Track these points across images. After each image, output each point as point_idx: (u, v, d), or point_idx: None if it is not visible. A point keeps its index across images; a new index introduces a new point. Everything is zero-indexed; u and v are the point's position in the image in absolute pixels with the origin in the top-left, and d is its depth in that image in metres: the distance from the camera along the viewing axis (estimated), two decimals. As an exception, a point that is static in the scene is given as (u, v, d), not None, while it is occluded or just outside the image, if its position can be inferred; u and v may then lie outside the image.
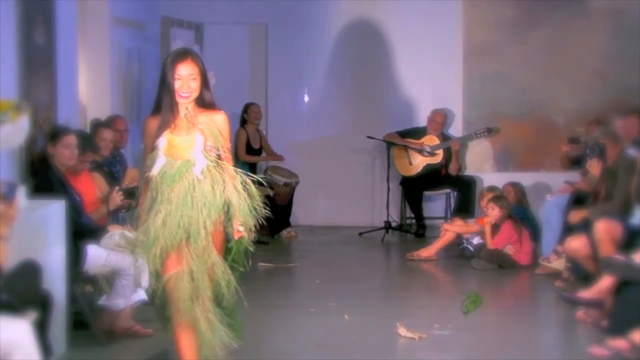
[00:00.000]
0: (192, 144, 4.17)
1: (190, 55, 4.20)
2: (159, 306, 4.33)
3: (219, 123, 4.25)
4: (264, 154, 10.29)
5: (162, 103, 4.22)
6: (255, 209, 4.13)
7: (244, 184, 4.17)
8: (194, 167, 4.14)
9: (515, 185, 8.94)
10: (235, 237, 4.20)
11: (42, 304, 4.61)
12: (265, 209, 4.19)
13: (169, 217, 4.08)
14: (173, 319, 4.21)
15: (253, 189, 4.18)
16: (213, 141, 4.20)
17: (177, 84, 4.18)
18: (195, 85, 4.19)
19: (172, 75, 4.16)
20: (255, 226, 4.16)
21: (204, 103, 4.25)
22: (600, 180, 7.09)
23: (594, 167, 7.16)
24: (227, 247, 4.27)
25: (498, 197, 8.42)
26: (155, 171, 4.16)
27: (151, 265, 4.16)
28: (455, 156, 10.00)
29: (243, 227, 4.15)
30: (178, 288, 4.12)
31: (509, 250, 8.25)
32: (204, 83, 4.22)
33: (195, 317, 4.14)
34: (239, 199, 4.12)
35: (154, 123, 4.26)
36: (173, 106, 4.22)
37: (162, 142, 4.19)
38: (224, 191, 4.12)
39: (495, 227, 8.28)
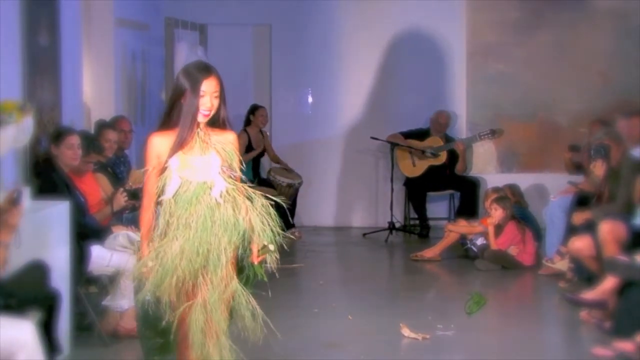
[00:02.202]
0: (207, 165, 3.87)
1: (213, 71, 3.92)
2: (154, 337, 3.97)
3: (231, 142, 4.01)
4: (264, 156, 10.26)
5: (180, 120, 3.86)
6: (278, 233, 3.84)
7: (264, 206, 3.87)
8: (212, 189, 3.84)
9: (512, 187, 8.94)
10: (256, 263, 3.91)
11: (50, 303, 4.62)
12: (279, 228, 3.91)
13: (188, 244, 3.76)
14: (182, 355, 3.88)
15: (272, 210, 3.88)
16: (229, 162, 3.92)
17: (202, 102, 3.87)
18: (216, 103, 3.90)
19: (198, 92, 3.85)
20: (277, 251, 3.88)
21: (217, 121, 3.96)
22: (604, 181, 7.09)
23: (598, 168, 7.16)
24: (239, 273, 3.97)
25: (501, 197, 8.42)
26: (169, 194, 3.82)
27: (165, 295, 3.78)
28: (462, 157, 10.01)
29: (264, 251, 3.85)
30: (191, 321, 3.80)
31: (513, 251, 8.25)
32: (224, 100, 3.95)
33: (208, 354, 3.81)
34: (261, 223, 3.82)
35: (160, 140, 3.89)
36: (193, 124, 3.88)
37: (175, 162, 3.84)
38: (246, 215, 3.82)
39: (499, 228, 8.28)
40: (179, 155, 3.85)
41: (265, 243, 3.84)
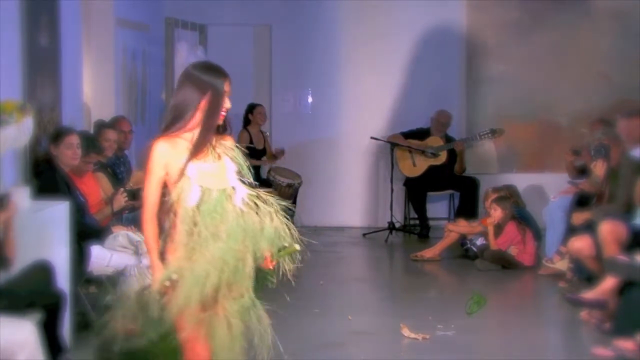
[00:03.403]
0: (222, 171, 3.69)
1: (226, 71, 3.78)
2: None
3: (232, 148, 3.79)
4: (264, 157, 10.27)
5: (203, 122, 3.66)
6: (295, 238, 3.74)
7: (279, 211, 3.74)
8: (234, 196, 3.67)
9: (509, 187, 8.92)
10: (270, 267, 3.76)
11: (55, 304, 4.63)
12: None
13: (219, 254, 3.59)
14: None
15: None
16: (239, 167, 3.76)
17: (228, 104, 3.72)
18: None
19: (223, 92, 3.68)
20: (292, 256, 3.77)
21: (218, 126, 3.77)
22: (604, 181, 7.09)
23: (599, 168, 7.15)
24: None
25: (501, 197, 8.42)
26: (192, 203, 3.61)
27: (193, 307, 3.59)
28: (460, 157, 10.00)
29: (286, 252, 3.73)
30: (214, 332, 3.66)
31: (513, 251, 8.25)
32: None
33: None
34: (284, 227, 3.71)
35: (167, 147, 3.64)
36: (215, 127, 3.70)
37: (193, 170, 3.63)
38: (271, 220, 3.68)
39: (499, 228, 8.28)
40: (194, 162, 3.65)
41: (286, 245, 3.73)
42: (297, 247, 3.75)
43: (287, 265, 3.76)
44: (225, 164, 3.71)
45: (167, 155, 3.63)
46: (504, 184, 9.11)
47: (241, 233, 3.63)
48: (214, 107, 3.66)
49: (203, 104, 3.65)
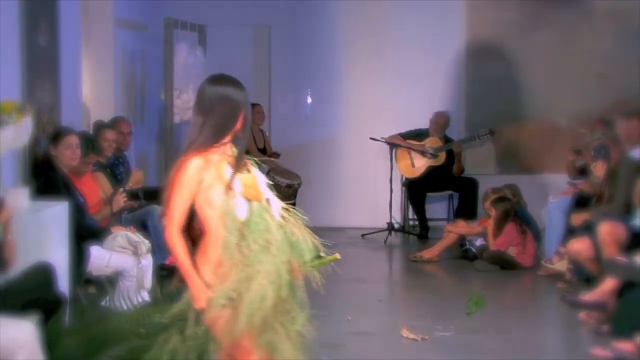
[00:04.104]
0: (254, 182, 3.64)
1: None
2: None
3: (251, 161, 3.76)
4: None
5: (241, 136, 3.65)
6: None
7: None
8: (270, 208, 3.63)
9: (511, 187, 8.89)
10: (299, 277, 3.71)
11: (56, 306, 4.62)
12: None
13: (273, 268, 3.52)
14: None
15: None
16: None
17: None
18: None
19: (249, 105, 3.71)
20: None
21: None
22: (604, 181, 7.09)
23: (599, 168, 7.16)
24: None
25: (500, 199, 8.41)
26: (243, 216, 3.53)
27: (255, 326, 3.51)
28: (458, 158, 10.00)
29: (322, 262, 3.68)
30: (278, 353, 3.61)
31: (512, 251, 8.25)
32: None
33: None
34: (310, 237, 3.67)
35: (201, 164, 3.53)
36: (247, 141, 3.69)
37: (238, 183, 3.56)
38: (307, 232, 3.65)
39: (498, 228, 8.28)
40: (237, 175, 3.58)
41: (322, 254, 3.68)
42: (338, 255, 3.74)
43: (316, 274, 3.71)
44: (256, 176, 3.68)
45: (202, 171, 3.53)
46: (506, 183, 9.08)
47: (287, 245, 3.59)
48: (248, 122, 3.68)
49: (242, 122, 3.64)
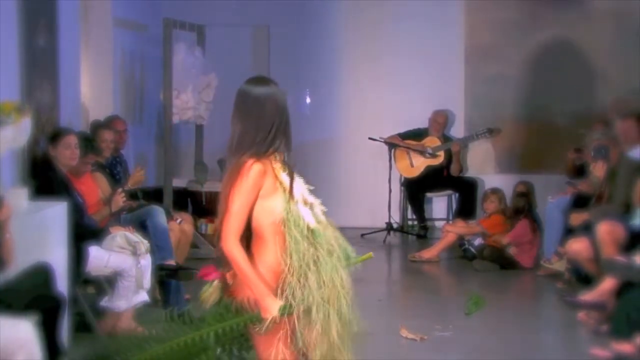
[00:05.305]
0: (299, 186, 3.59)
1: None
2: None
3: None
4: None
5: (290, 141, 3.59)
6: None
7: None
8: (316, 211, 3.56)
9: (526, 184, 8.78)
10: None
11: (55, 307, 4.62)
12: None
13: (344, 275, 3.46)
14: None
15: None
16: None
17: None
18: None
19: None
20: None
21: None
22: (604, 181, 7.10)
23: (599, 168, 7.16)
24: None
25: (521, 194, 8.42)
26: (311, 222, 3.46)
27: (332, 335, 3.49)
28: (456, 157, 10.00)
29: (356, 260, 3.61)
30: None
31: (512, 251, 8.25)
32: None
33: None
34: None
35: (262, 168, 3.42)
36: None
37: (297, 189, 3.54)
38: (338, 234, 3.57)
39: (511, 222, 8.28)
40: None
41: (353, 254, 3.60)
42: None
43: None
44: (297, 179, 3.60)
45: (263, 177, 3.41)
46: (522, 180, 8.98)
47: (335, 250, 3.50)
48: (287, 124, 3.57)
49: (283, 121, 3.53)
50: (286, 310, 3.32)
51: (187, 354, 3.49)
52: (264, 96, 3.54)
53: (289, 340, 3.40)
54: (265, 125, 3.46)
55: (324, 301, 3.38)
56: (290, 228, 3.38)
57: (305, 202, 3.53)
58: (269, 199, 3.40)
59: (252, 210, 3.39)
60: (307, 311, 3.35)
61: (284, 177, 3.47)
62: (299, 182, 3.58)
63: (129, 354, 3.56)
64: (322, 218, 3.56)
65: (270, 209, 3.39)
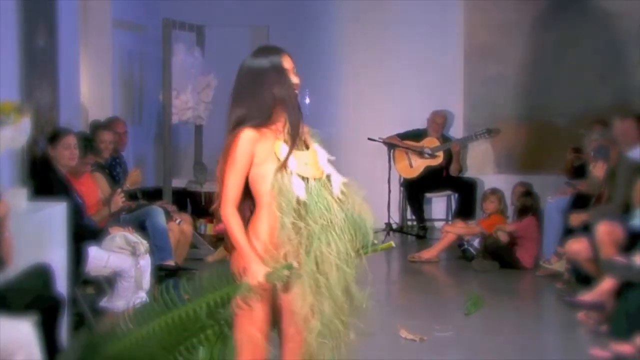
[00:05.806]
0: (315, 159, 3.55)
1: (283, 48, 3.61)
2: None
3: (312, 133, 3.71)
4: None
5: (284, 107, 3.57)
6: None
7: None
8: (330, 185, 3.53)
9: (526, 185, 8.82)
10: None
11: (54, 308, 4.62)
12: None
13: (342, 249, 3.46)
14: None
15: None
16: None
17: (295, 79, 3.61)
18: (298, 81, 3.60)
19: (283, 68, 3.57)
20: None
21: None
22: (603, 182, 7.10)
23: (599, 169, 7.16)
24: None
25: (527, 192, 8.44)
26: (301, 195, 3.39)
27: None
28: (456, 158, 10.00)
29: (375, 249, 3.61)
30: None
31: (514, 248, 8.25)
32: None
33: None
34: (370, 218, 3.59)
35: (255, 136, 3.41)
36: (298, 107, 3.63)
37: (293, 161, 3.44)
38: (363, 209, 3.56)
39: (518, 220, 8.31)
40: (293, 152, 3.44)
41: (375, 241, 3.59)
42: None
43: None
44: (316, 151, 3.58)
45: (255, 144, 3.40)
46: (521, 181, 8.96)
47: (351, 224, 3.48)
48: (280, 87, 3.55)
49: (276, 90, 3.52)
50: (272, 278, 3.34)
51: (182, 330, 3.51)
52: (258, 68, 3.53)
53: (269, 316, 3.44)
54: (261, 97, 3.47)
55: (313, 273, 3.38)
56: (278, 201, 3.37)
57: (314, 175, 3.49)
58: (262, 166, 3.42)
59: (250, 178, 3.42)
60: (294, 282, 3.37)
61: (282, 147, 3.45)
62: (320, 153, 3.58)
63: (126, 331, 3.60)
64: (338, 192, 3.54)
65: (264, 178, 3.40)
